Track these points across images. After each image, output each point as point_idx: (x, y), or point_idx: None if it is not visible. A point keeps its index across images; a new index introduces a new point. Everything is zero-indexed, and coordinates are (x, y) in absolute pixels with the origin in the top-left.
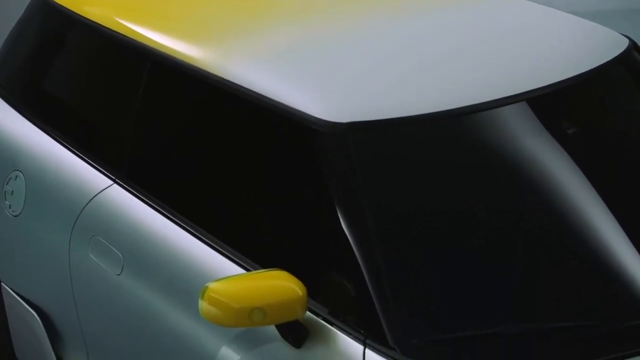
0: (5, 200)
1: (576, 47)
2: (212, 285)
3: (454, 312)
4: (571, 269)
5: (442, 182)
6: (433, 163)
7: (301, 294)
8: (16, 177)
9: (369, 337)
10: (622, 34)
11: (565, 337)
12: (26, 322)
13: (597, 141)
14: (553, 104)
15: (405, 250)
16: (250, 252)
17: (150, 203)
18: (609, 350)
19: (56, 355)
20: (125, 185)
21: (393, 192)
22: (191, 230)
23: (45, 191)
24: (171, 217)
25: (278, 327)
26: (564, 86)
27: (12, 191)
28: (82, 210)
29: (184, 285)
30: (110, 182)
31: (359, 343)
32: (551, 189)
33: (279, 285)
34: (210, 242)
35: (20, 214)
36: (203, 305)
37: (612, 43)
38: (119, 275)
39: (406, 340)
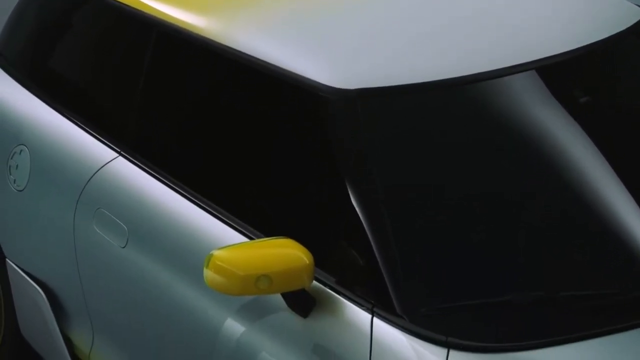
0: (10, 174)
1: (589, 16)
2: (217, 253)
3: (463, 280)
4: (583, 238)
5: (450, 150)
6: (442, 131)
7: (308, 262)
8: (20, 151)
9: (377, 305)
10: (637, 4)
11: (576, 305)
12: (31, 298)
13: (607, 112)
14: (563, 73)
15: (414, 218)
16: (256, 221)
17: (156, 175)
18: (621, 319)
19: (61, 330)
20: (130, 158)
21: (401, 159)
22: (197, 201)
23: (49, 165)
24: (176, 188)
25: (284, 296)
26: (575, 55)
27: (17, 165)
28: (87, 183)
29: (189, 257)
30: (116, 154)
31: (367, 312)
32: (561, 158)
33: (285, 253)
34: (216, 213)
35: (24, 188)
36: (208, 273)
37: (626, 13)
38: (123, 247)
39: (414, 309)
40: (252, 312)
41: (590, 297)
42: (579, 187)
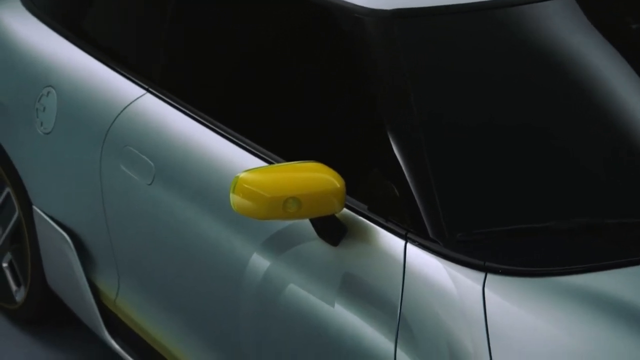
0: (37, 117)
1: None
2: (243, 175)
3: (499, 205)
4: (626, 165)
5: (487, 73)
6: (478, 53)
7: (339, 185)
8: (48, 93)
9: (410, 231)
10: None
11: (618, 233)
12: (57, 245)
13: None
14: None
15: (449, 142)
16: (287, 150)
17: (184, 109)
18: None
19: (87, 277)
20: (158, 94)
21: (437, 82)
22: (225, 133)
23: (76, 105)
24: (205, 121)
25: (314, 224)
26: None
27: (44, 108)
28: (114, 121)
29: (217, 189)
30: (143, 91)
31: (400, 238)
32: (605, 84)
33: (315, 176)
34: (246, 145)
35: (51, 131)
36: (234, 197)
37: None
38: (150, 185)
39: (450, 234)
40: (281, 243)
41: (632, 226)
42: (622, 114)
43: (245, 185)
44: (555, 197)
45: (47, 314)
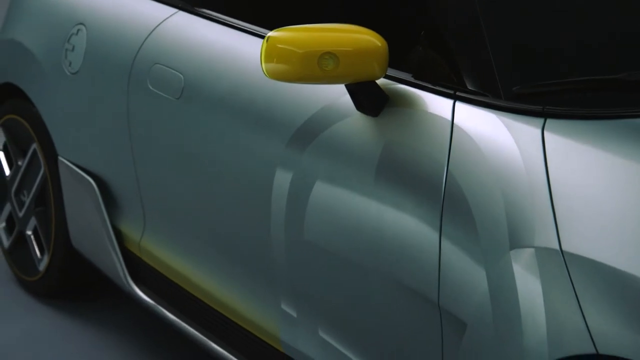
0: (66, 58)
1: None
2: (274, 34)
3: (556, 59)
4: None
5: None
6: None
7: (380, 45)
8: (78, 31)
9: (459, 89)
10: None
11: None
12: (82, 192)
13: None
14: None
15: None
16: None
17: (213, 18)
18: None
19: (112, 224)
20: (190, 9)
21: None
22: (258, 34)
23: (105, 37)
24: (236, 25)
25: (351, 94)
26: None
27: (74, 47)
28: (142, 44)
29: (247, 92)
30: (173, 10)
31: (448, 98)
32: None
33: (354, 36)
34: None
35: (79, 70)
36: (266, 65)
37: None
38: (178, 98)
39: (504, 87)
40: (313, 130)
41: None
42: None
43: (277, 45)
44: (618, 50)
45: (67, 283)
